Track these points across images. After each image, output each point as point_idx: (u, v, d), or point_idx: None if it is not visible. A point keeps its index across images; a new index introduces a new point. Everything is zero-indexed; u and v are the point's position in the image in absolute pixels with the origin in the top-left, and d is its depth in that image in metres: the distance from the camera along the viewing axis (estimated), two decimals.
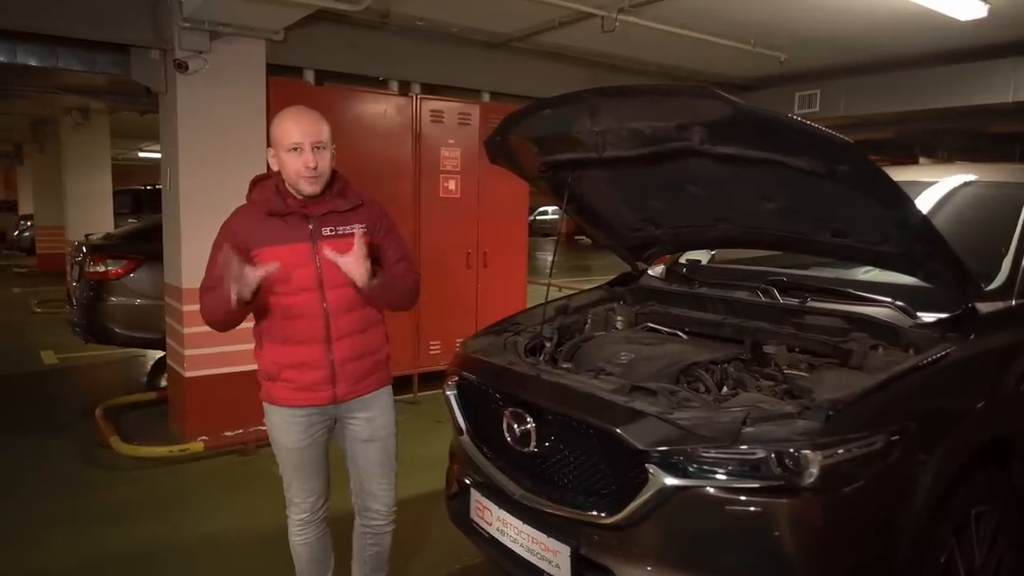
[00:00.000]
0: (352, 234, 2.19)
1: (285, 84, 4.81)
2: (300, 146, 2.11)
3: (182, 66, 4.22)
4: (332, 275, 2.17)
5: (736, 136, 2.03)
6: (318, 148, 2.13)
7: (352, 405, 2.30)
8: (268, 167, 2.26)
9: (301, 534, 2.39)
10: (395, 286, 2.29)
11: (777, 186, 2.27)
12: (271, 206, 2.18)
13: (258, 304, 2.17)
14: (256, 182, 2.28)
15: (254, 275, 2.04)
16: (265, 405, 2.31)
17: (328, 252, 2.14)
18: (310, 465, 2.32)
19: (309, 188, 2.16)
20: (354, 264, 2.12)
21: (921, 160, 9.32)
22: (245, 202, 2.28)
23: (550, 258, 19.44)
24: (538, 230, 21.00)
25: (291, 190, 2.20)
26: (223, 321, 2.17)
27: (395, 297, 2.31)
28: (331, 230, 2.20)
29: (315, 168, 2.13)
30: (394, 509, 2.45)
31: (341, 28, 4.90)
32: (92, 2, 4.14)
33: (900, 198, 1.98)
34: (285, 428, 2.27)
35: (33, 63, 4.37)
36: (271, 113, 4.61)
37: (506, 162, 2.83)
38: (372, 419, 2.34)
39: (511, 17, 5.01)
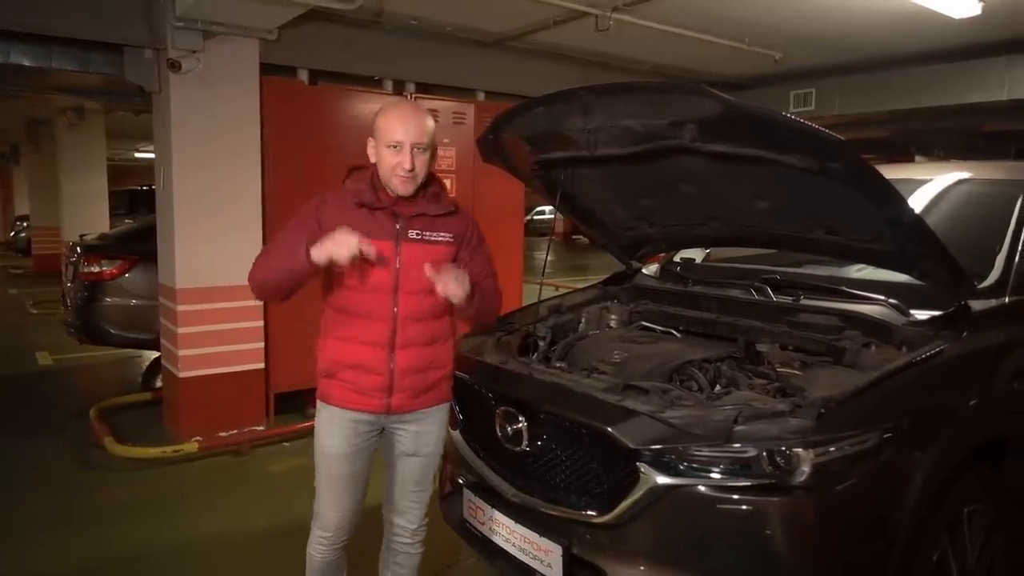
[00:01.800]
0: (439, 242, 2.13)
1: (279, 83, 4.80)
2: (401, 144, 2.04)
3: (175, 66, 4.21)
4: (410, 280, 2.08)
5: (728, 134, 2.03)
6: (418, 149, 2.06)
7: (404, 416, 2.19)
8: (367, 159, 2.15)
9: (320, 552, 2.25)
10: (486, 304, 2.24)
11: (770, 184, 2.27)
12: (363, 197, 2.10)
13: (322, 281, 2.12)
14: (352, 170, 2.21)
15: (354, 244, 1.93)
16: (318, 404, 2.21)
17: (428, 269, 2.04)
18: (347, 478, 2.18)
19: (402, 188, 2.08)
20: (453, 284, 2.02)
21: (917, 158, 9.33)
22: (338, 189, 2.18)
23: (547, 257, 19.44)
24: (535, 230, 20.99)
25: (385, 186, 2.12)
26: (277, 279, 2.07)
27: (484, 315, 2.27)
28: (418, 234, 2.11)
29: (411, 169, 2.05)
30: (422, 529, 2.32)
31: (335, 27, 4.89)
32: (86, 2, 4.13)
33: (892, 196, 1.98)
34: (331, 429, 2.16)
35: (27, 63, 4.37)
36: (265, 112, 4.65)
37: (499, 161, 2.82)
38: (420, 434, 2.22)
39: (505, 16, 5.00)
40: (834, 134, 1.84)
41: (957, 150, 9.23)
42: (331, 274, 2.11)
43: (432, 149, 2.11)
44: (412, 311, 2.11)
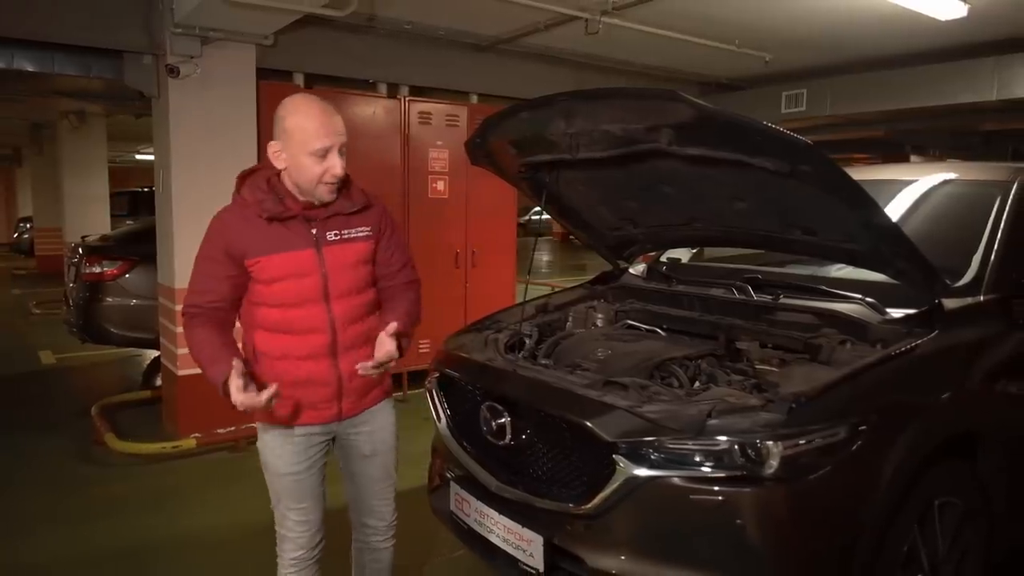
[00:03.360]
0: (358, 238, 2.04)
1: (275, 88, 4.86)
2: (329, 149, 1.89)
3: (174, 71, 4.29)
4: (338, 283, 2.00)
5: (702, 138, 2.09)
6: (343, 150, 1.93)
7: (355, 420, 2.14)
8: (266, 161, 1.99)
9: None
10: (413, 316, 2.15)
11: (746, 186, 2.33)
12: (269, 209, 1.93)
13: (240, 303, 2.03)
14: (244, 177, 2.03)
15: (262, 400, 1.82)
16: (259, 427, 2.09)
17: (362, 369, 1.95)
18: (307, 493, 2.10)
19: (328, 196, 1.95)
20: (387, 351, 1.97)
21: (912, 158, 9.35)
22: (232, 200, 2.02)
23: (544, 257, 19.51)
24: (533, 231, 21.03)
25: (292, 190, 1.97)
26: (195, 356, 1.97)
27: (415, 321, 2.18)
28: (336, 234, 2.00)
29: (340, 175, 1.92)
30: (394, 523, 2.30)
31: (330, 32, 4.96)
32: (87, 9, 4.20)
33: (862, 197, 2.04)
34: (281, 450, 2.06)
35: (30, 68, 4.45)
36: (261, 116, 4.72)
37: (487, 164, 2.89)
38: (374, 432, 2.18)
39: (496, 20, 5.06)
40: (802, 138, 1.90)
41: (953, 150, 9.27)
42: (251, 294, 2.00)
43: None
44: (347, 314, 2.04)
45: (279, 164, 1.95)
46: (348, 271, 2.02)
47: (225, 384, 1.86)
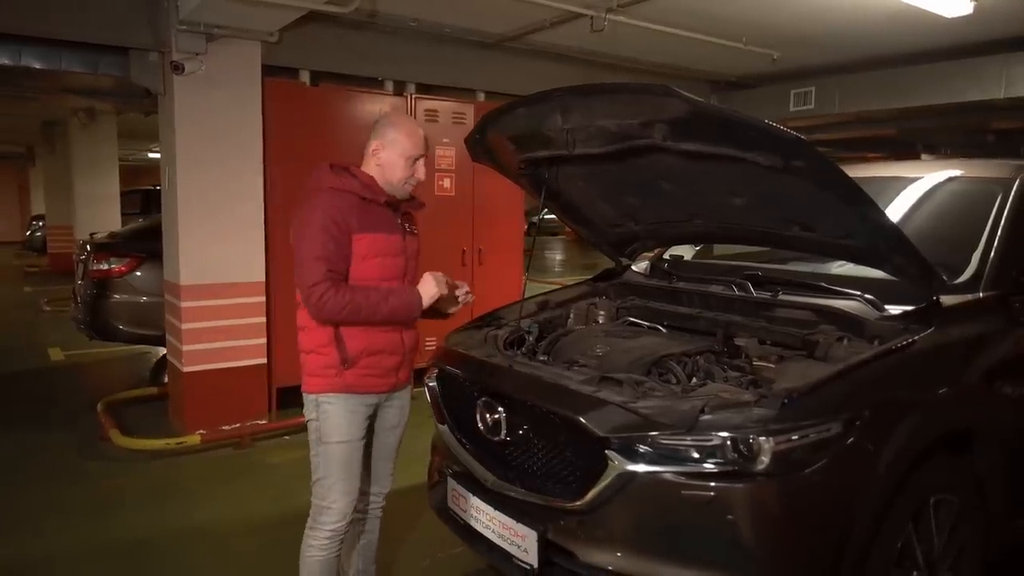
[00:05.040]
0: (417, 234, 2.43)
1: (281, 85, 4.90)
2: (420, 159, 2.30)
3: (179, 68, 4.32)
4: (411, 268, 2.37)
5: (697, 133, 2.09)
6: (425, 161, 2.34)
7: (396, 393, 2.42)
8: (365, 159, 2.31)
9: (326, 547, 2.28)
10: None
11: (743, 182, 2.33)
12: (365, 192, 2.24)
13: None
14: (329, 169, 2.29)
15: (442, 281, 2.31)
16: (325, 397, 2.24)
17: (442, 286, 2.34)
18: (358, 462, 2.32)
19: (405, 195, 2.34)
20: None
21: (923, 156, 9.29)
22: (321, 191, 2.25)
23: (557, 256, 19.50)
24: (545, 229, 21.01)
25: (387, 187, 2.30)
26: (382, 320, 2.23)
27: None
28: (409, 227, 2.39)
29: (422, 180, 2.34)
30: (387, 493, 2.55)
31: (335, 29, 4.98)
32: (93, 6, 4.24)
33: (856, 193, 2.03)
34: (350, 418, 2.25)
35: (38, 65, 4.49)
36: (267, 113, 4.75)
37: (487, 160, 2.90)
38: (402, 407, 2.48)
39: (501, 17, 5.07)
40: (793, 133, 1.90)
41: (965, 147, 9.19)
42: (349, 270, 2.24)
43: None
44: None
45: (375, 159, 2.30)
46: (415, 258, 2.40)
47: (419, 300, 2.28)
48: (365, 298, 2.17)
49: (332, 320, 2.18)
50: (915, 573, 2.12)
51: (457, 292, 2.41)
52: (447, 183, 5.74)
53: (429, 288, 2.29)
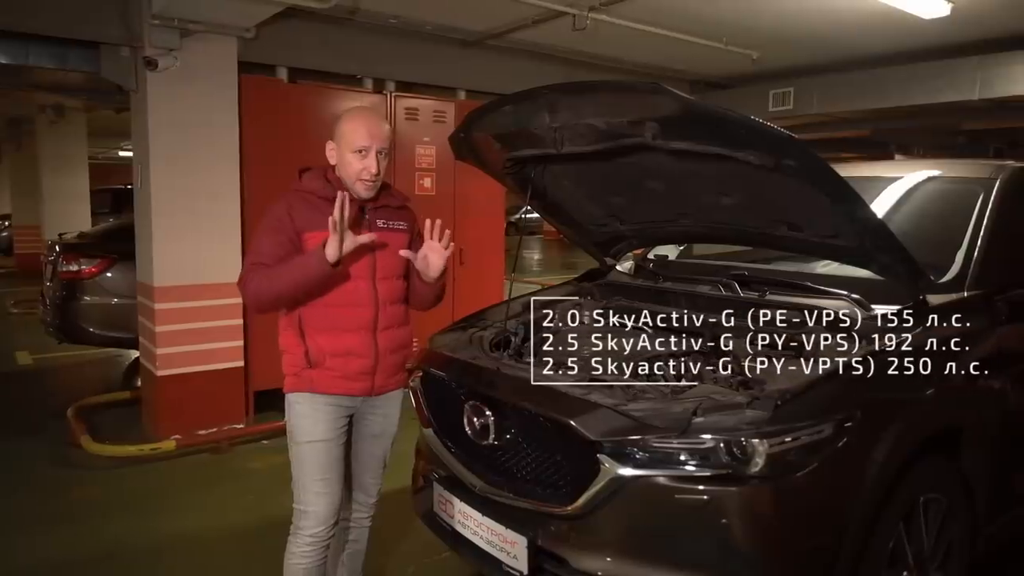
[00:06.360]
0: (400, 229, 2.30)
1: (257, 82, 4.80)
2: (367, 150, 2.15)
3: (152, 64, 4.21)
4: (384, 265, 2.24)
5: (686, 131, 2.07)
6: (381, 154, 2.18)
7: (377, 400, 2.31)
8: (327, 160, 2.25)
9: (308, 555, 2.21)
10: (443, 285, 2.38)
11: (732, 181, 2.31)
12: (326, 192, 2.16)
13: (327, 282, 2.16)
14: (303, 171, 2.29)
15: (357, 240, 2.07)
16: (294, 396, 2.24)
17: (406, 253, 2.23)
18: (334, 464, 2.24)
19: (364, 192, 2.20)
20: (442, 255, 2.22)
21: (896, 157, 9.43)
22: (291, 188, 2.26)
23: (535, 256, 19.50)
24: (525, 228, 20.97)
25: (348, 189, 2.20)
26: (292, 294, 2.12)
27: (435, 297, 2.39)
28: (384, 222, 2.27)
29: (376, 174, 2.17)
30: (377, 503, 2.47)
31: (314, 25, 4.89)
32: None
33: (846, 191, 2.02)
34: (315, 417, 2.20)
35: (2, 60, 4.35)
36: (243, 110, 4.65)
37: (471, 158, 2.85)
38: (387, 416, 2.37)
39: (482, 15, 5.02)
40: (786, 131, 1.88)
41: (938, 148, 9.35)
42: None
43: (390, 153, 2.25)
44: (389, 295, 2.27)
45: (331, 160, 2.23)
46: (392, 256, 2.25)
47: (324, 257, 2.04)
48: (274, 270, 2.12)
49: (257, 303, 2.19)
50: (905, 574, 2.12)
51: (427, 250, 2.22)
52: (428, 182, 5.67)
53: (332, 241, 2.06)
